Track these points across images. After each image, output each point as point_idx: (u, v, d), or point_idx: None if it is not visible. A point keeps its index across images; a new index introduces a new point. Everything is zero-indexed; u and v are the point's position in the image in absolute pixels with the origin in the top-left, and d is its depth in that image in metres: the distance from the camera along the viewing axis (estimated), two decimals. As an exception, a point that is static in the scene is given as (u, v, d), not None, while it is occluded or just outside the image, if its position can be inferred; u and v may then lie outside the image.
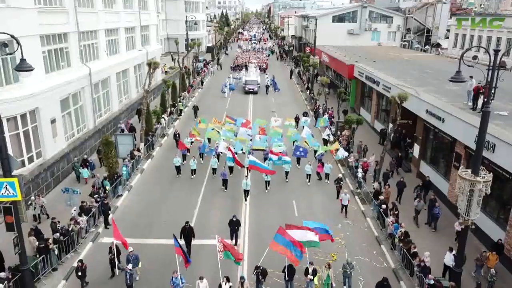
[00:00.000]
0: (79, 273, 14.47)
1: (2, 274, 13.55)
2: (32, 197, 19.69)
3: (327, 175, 24.23)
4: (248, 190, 21.63)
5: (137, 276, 15.17)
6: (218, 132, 27.28)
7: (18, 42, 11.85)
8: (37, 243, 15.30)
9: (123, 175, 22.62)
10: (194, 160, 24.46)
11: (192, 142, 27.39)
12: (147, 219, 19.72)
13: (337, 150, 25.21)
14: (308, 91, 47.69)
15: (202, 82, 53.89)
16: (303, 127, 30.56)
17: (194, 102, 43.11)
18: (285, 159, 23.57)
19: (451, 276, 14.64)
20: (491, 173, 13.13)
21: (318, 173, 24.63)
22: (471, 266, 15.72)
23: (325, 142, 29.13)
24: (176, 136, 29.31)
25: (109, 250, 15.49)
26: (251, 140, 27.08)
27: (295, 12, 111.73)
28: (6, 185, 12.54)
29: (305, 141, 26.91)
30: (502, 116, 19.27)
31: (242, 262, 15.45)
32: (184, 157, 26.08)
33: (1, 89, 19.30)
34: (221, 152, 24.94)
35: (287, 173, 24.22)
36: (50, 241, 15.38)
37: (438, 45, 65.30)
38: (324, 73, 56.18)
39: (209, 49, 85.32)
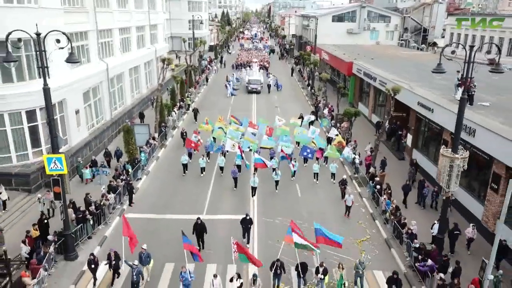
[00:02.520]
0: (92, 266, 14.55)
1: (50, 237, 15.79)
2: (39, 195, 19.80)
3: (333, 175, 24.56)
4: (256, 187, 22.03)
5: (148, 277, 15.09)
6: (224, 132, 27.40)
7: (68, 38, 14.16)
8: (74, 215, 17.48)
9: (141, 160, 24.81)
10: (203, 159, 25.04)
11: (198, 140, 27.06)
12: (164, 199, 21.95)
13: (339, 142, 26.88)
14: (309, 87, 49.84)
15: (207, 79, 56.06)
16: (309, 125, 31.59)
17: (196, 103, 43.02)
18: (295, 165, 24.40)
19: (436, 241, 16.83)
20: (468, 151, 15.35)
21: (317, 159, 25.72)
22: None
23: (329, 140, 29.48)
24: (184, 135, 29.83)
25: (107, 257, 14.99)
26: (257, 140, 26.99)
27: (295, 11, 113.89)
28: (55, 160, 14.80)
29: (313, 141, 27.30)
30: (484, 106, 21.55)
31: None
32: (190, 155, 26.28)
33: (35, 81, 21.39)
34: (227, 151, 25.29)
35: (294, 172, 24.57)
36: (87, 212, 17.60)
37: (434, 44, 67.46)
38: (324, 70, 58.30)
39: (211, 48, 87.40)
